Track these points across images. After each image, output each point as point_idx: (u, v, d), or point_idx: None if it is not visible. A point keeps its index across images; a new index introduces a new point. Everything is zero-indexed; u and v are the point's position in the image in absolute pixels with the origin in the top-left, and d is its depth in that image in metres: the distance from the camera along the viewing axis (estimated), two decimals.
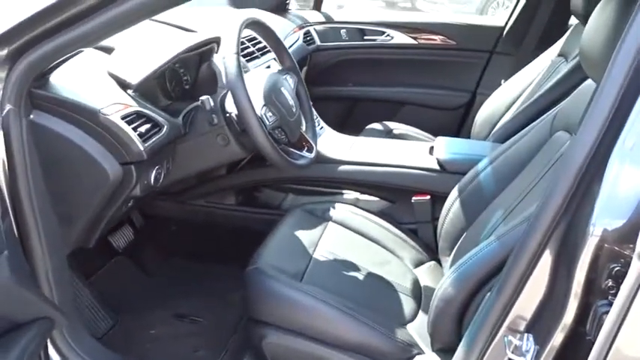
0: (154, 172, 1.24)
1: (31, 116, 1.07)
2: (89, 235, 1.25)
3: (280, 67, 1.50)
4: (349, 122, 2.64)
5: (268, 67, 1.65)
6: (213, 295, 1.76)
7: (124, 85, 1.20)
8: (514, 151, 1.39)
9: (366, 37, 2.59)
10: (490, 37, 2.50)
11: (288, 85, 1.43)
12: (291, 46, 2.22)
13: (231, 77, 1.19)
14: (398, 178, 1.69)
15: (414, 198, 1.67)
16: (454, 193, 1.48)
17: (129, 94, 1.20)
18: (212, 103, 1.23)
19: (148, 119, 1.19)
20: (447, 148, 1.70)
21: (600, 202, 0.75)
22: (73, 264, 1.56)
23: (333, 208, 1.66)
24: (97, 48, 1.31)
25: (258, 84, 1.32)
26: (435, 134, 2.24)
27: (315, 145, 1.50)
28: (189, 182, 1.79)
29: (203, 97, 1.23)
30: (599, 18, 0.97)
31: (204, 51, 1.49)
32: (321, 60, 2.60)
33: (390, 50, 2.59)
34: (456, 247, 1.44)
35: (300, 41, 2.35)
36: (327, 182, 1.77)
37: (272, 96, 1.31)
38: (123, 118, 1.12)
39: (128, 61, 1.24)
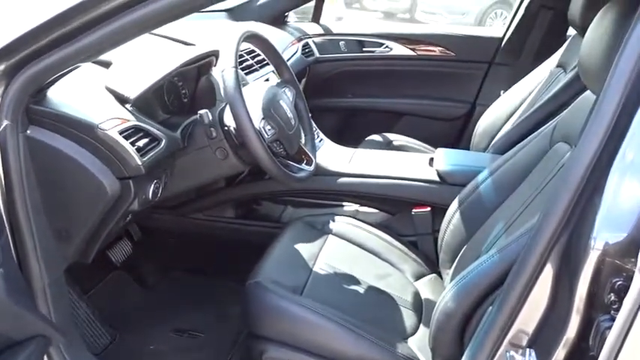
0: (152, 186, 1.23)
1: (28, 131, 1.07)
2: (87, 250, 1.24)
3: (279, 80, 1.50)
4: (349, 134, 2.64)
5: (267, 80, 1.65)
6: (213, 310, 1.75)
7: (121, 99, 1.20)
8: (514, 162, 1.39)
9: (364, 49, 2.60)
10: (489, 48, 2.51)
11: (287, 98, 1.43)
12: (289, 59, 2.23)
13: (229, 91, 1.19)
14: (398, 190, 1.68)
15: (414, 210, 1.66)
16: (454, 204, 1.48)
17: (127, 109, 1.20)
18: (210, 117, 1.23)
19: (146, 133, 1.19)
20: (447, 159, 1.70)
21: (601, 215, 0.74)
22: (70, 279, 1.56)
23: (333, 220, 1.66)
24: (95, 62, 1.31)
25: (256, 97, 1.32)
26: (435, 145, 2.25)
27: (315, 158, 1.49)
28: (188, 195, 1.78)
29: (201, 111, 1.23)
30: (597, 29, 0.97)
31: (202, 64, 1.49)
32: (320, 72, 2.61)
33: (388, 61, 2.60)
34: (457, 259, 1.43)
35: (299, 53, 2.35)
36: (327, 194, 1.77)
37: (270, 109, 1.31)
38: (121, 133, 1.12)
39: (126, 76, 1.24)
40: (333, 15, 4.18)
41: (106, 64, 1.29)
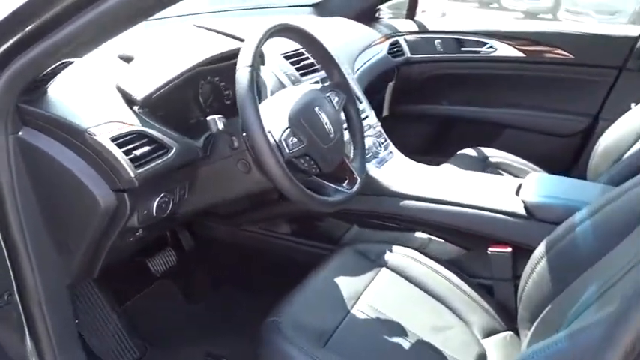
0: (157, 200, 1.07)
1: (20, 133, 0.96)
2: (91, 266, 1.12)
3: (326, 83, 1.26)
4: (439, 146, 2.35)
5: (317, 82, 1.44)
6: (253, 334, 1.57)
7: (129, 100, 1.06)
8: (627, 201, 1.03)
9: (463, 49, 2.25)
10: (619, 50, 2.04)
11: (330, 105, 1.19)
12: (371, 59, 1.99)
13: (239, 93, 0.99)
14: (471, 222, 1.37)
15: (490, 248, 1.34)
16: (542, 247, 1.15)
17: (134, 111, 1.06)
18: (221, 125, 1.04)
19: (151, 141, 1.03)
20: (539, 188, 1.35)
21: None
22: (105, 288, 1.47)
23: (391, 251, 1.39)
24: (120, 57, 1.19)
25: (284, 103, 1.11)
26: (543, 166, 1.89)
27: (360, 178, 1.24)
28: (241, 206, 1.62)
29: (212, 117, 1.04)
30: None
31: None
32: (410, 74, 2.32)
33: (492, 64, 2.22)
34: (539, 318, 1.11)
35: (384, 52, 2.11)
36: (389, 219, 1.51)
37: (300, 118, 1.09)
38: (115, 140, 0.97)
39: (141, 73, 1.10)
40: (439, 11, 3.81)
41: (128, 59, 1.16)
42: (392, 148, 1.64)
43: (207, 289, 1.75)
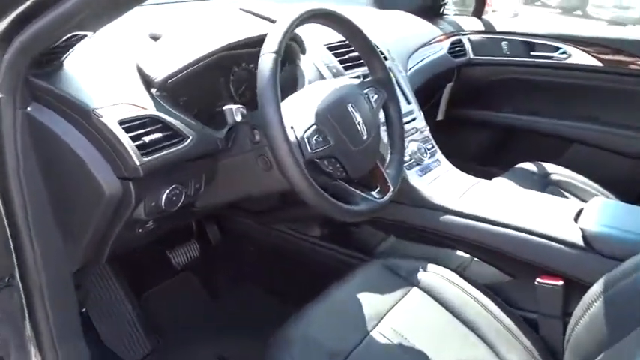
0: (167, 192, 0.99)
1: (29, 109, 0.90)
2: (97, 255, 1.06)
3: (366, 79, 1.14)
4: (497, 156, 2.18)
5: (358, 77, 1.32)
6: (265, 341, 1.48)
7: (147, 82, 0.98)
8: None
9: (533, 53, 2.04)
10: None
11: (367, 102, 1.07)
12: (428, 57, 1.85)
13: (260, 81, 0.88)
14: (521, 247, 1.21)
15: (539, 279, 1.18)
16: (599, 285, 0.98)
17: (151, 94, 0.97)
18: (239, 116, 0.93)
19: (165, 127, 0.94)
20: (602, 216, 1.17)
21: None
22: (120, 274, 1.43)
23: (425, 269, 1.26)
24: (150, 36, 1.12)
25: (313, 97, 0.99)
26: (611, 190, 1.68)
27: (394, 187, 1.10)
28: (271, 203, 1.53)
29: (230, 106, 0.94)
30: None
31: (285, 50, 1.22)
32: (472, 76, 2.15)
33: (564, 72, 2.01)
34: None
35: (444, 51, 1.96)
36: (427, 233, 1.37)
37: (327, 114, 0.97)
38: (122, 123, 0.89)
39: (165, 54, 1.02)
40: (510, 10, 3.53)
41: (155, 38, 1.09)
42: (439, 155, 1.49)
43: (229, 285, 1.68)
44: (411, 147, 1.43)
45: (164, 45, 1.05)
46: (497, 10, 2.54)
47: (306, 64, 1.29)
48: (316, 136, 0.94)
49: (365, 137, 1.02)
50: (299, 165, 0.88)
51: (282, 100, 1.03)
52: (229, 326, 1.51)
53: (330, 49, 1.39)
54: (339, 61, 1.37)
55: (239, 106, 0.93)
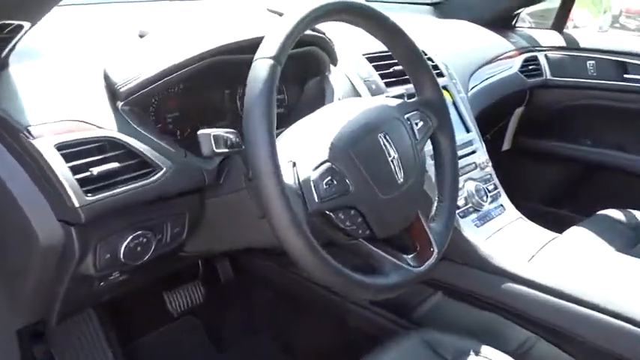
0: (128, 240, 0.74)
1: None
2: (47, 311, 0.82)
3: (411, 99, 0.84)
4: (572, 197, 1.88)
5: (402, 95, 1.03)
6: None
7: (112, 92, 0.73)
8: None
9: (627, 76, 1.72)
10: None
11: (407, 132, 0.77)
12: (495, 75, 1.56)
13: (248, 94, 0.61)
14: (604, 334, 0.91)
15: None
16: None
17: (116, 108, 0.73)
18: (221, 145, 0.64)
19: (129, 154, 0.69)
20: None
21: None
22: (106, 319, 1.20)
23: (476, 352, 0.95)
24: (139, 35, 0.88)
25: (332, 122, 0.71)
26: None
27: (439, 250, 0.79)
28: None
29: (206, 130, 0.66)
30: None
31: (307, 61, 0.95)
32: (547, 100, 1.86)
33: None
34: None
35: (515, 70, 1.68)
36: (483, 301, 1.07)
37: (347, 148, 0.68)
38: (62, 148, 0.64)
39: (141, 56, 0.77)
40: (594, 26, 3.13)
41: (142, 37, 0.85)
42: (503, 199, 1.17)
43: (237, 335, 1.41)
44: (467, 187, 1.13)
45: (145, 45, 0.81)
46: (579, 26, 2.19)
47: (337, 76, 1.02)
48: (329, 177, 0.65)
49: (401, 181, 0.73)
50: (296, 222, 0.60)
51: (289, 126, 0.76)
52: None
53: (371, 59, 1.11)
54: (381, 75, 1.09)
55: (227, 130, 0.66)
